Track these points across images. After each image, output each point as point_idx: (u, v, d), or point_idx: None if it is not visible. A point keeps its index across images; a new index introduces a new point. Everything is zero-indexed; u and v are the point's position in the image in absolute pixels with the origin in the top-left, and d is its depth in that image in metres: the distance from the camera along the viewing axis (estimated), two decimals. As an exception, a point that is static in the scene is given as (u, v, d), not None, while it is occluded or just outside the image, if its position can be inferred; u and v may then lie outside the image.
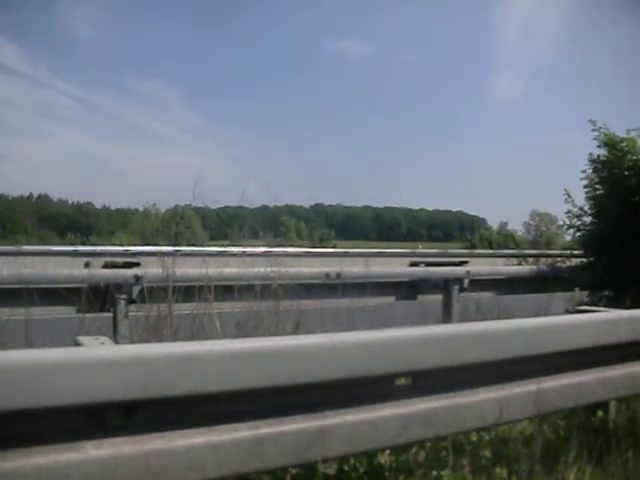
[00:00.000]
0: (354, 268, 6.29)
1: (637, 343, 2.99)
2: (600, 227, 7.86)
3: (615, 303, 5.89)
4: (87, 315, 4.15)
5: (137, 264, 5.73)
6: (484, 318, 5.53)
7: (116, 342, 3.81)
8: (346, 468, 2.62)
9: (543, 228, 50.58)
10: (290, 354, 1.99)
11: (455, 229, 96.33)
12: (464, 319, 6.19)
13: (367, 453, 2.50)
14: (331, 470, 2.59)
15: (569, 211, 8.08)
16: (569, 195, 8.00)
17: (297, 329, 4.34)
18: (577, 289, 7.40)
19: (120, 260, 5.96)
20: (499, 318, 5.18)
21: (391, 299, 7.01)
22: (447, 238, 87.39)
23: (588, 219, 8.06)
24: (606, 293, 7.36)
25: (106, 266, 5.70)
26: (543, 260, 9.42)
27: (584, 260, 8.13)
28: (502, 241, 40.52)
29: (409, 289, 7.20)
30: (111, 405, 1.71)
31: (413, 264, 7.69)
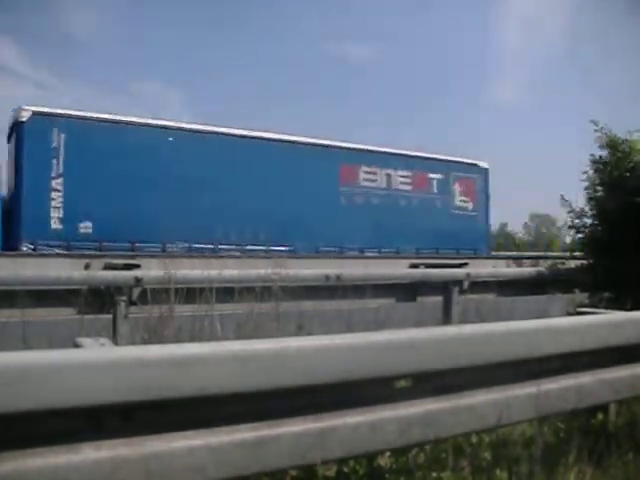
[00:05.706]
0: (354, 270, 6.27)
1: (638, 345, 2.98)
2: (601, 228, 7.86)
3: (616, 305, 5.88)
4: (87, 317, 4.15)
5: (137, 266, 5.73)
6: (484, 320, 5.51)
7: (116, 344, 3.81)
8: (346, 470, 2.62)
9: (543, 230, 50.59)
10: (291, 356, 1.99)
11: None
12: (464, 321, 6.18)
13: (367, 455, 2.49)
14: (330, 472, 2.59)
15: (572, 210, 8.09)
16: (565, 200, 8.04)
17: (300, 331, 4.34)
18: (577, 291, 7.41)
19: (120, 262, 5.95)
20: (499, 320, 5.15)
21: (391, 301, 7.01)
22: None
23: (589, 220, 8.07)
24: (606, 295, 7.36)
25: (106, 268, 5.69)
26: (543, 262, 9.42)
27: (584, 262, 8.13)
28: (502, 243, 40.48)
29: (409, 291, 7.20)
30: (110, 407, 1.70)
31: (413, 266, 7.69)
